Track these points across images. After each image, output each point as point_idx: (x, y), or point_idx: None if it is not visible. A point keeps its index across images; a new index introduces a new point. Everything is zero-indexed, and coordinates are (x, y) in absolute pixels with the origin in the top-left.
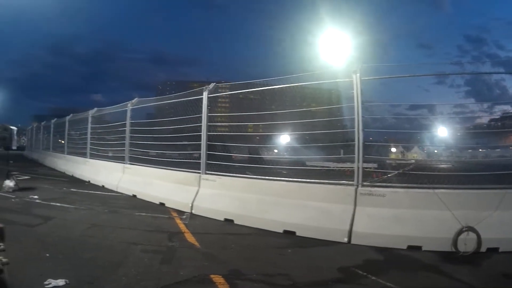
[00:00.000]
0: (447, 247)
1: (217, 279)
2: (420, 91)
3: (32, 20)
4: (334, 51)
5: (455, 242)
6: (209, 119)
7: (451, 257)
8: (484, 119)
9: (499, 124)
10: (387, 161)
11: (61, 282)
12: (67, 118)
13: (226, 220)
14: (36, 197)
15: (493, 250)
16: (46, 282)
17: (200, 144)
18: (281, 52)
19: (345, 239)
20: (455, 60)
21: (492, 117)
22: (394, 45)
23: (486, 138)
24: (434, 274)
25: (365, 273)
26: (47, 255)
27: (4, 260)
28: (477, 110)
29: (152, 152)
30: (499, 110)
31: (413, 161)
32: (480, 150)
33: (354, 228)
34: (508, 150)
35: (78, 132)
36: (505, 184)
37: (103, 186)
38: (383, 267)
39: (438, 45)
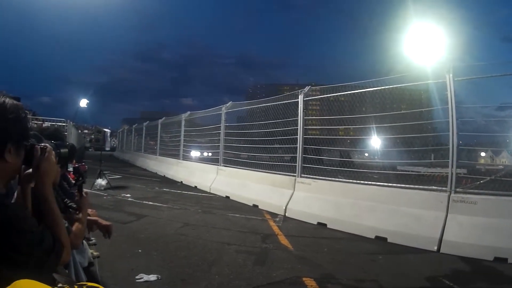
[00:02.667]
0: None
1: (309, 282)
2: (507, 90)
3: (120, 29)
4: (421, 49)
5: None
6: (305, 122)
7: None
8: None
9: None
10: (477, 166)
11: (153, 277)
12: (160, 121)
13: (319, 223)
14: (128, 195)
15: None
16: (137, 277)
17: (294, 147)
18: (368, 52)
19: (435, 248)
20: None
21: None
22: (477, 38)
23: None
24: None
25: (451, 284)
26: (139, 251)
27: (95, 253)
28: None
29: (244, 154)
30: None
31: (502, 166)
32: None
33: (444, 237)
34: None
35: (169, 135)
36: None
37: (195, 186)
38: (470, 278)
39: None
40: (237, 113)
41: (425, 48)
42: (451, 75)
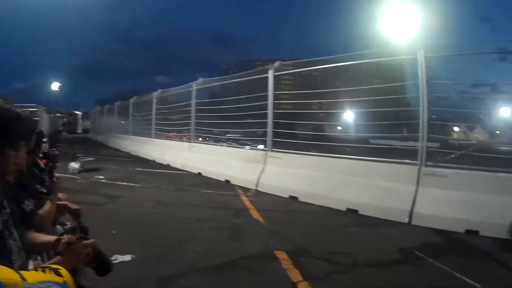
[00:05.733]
0: (504, 234)
1: (281, 255)
2: (482, 68)
3: (93, 9)
4: (397, 26)
5: (511, 230)
6: (275, 97)
7: (508, 245)
8: None
9: None
10: (450, 141)
11: (127, 257)
12: (131, 100)
13: (290, 197)
14: (101, 177)
15: None
16: (112, 258)
17: (265, 122)
18: (342, 28)
19: (406, 220)
20: None
21: None
22: (456, 17)
23: None
24: (489, 261)
25: (422, 255)
26: (114, 232)
27: None
28: None
29: (216, 130)
30: None
31: (475, 141)
32: None
33: (415, 209)
34: None
35: (141, 114)
36: None
37: (168, 164)
38: (441, 250)
39: (501, 19)
40: (210, 89)
41: (401, 25)
42: (422, 51)
